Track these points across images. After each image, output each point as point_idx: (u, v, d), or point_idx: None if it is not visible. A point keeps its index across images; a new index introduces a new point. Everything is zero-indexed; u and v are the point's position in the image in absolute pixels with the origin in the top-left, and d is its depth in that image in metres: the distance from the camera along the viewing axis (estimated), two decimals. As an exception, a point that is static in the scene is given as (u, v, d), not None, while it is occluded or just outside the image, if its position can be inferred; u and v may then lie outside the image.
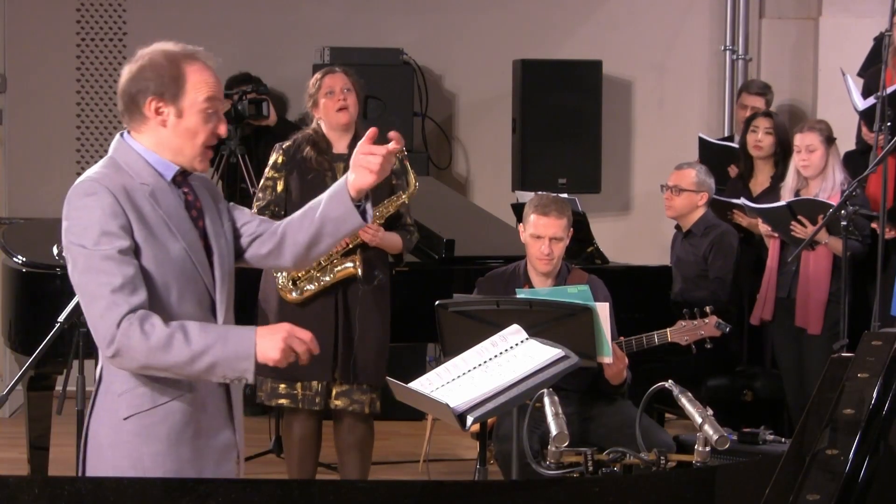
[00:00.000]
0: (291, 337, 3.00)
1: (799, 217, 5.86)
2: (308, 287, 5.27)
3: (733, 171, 6.90)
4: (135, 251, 3.00)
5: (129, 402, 3.05)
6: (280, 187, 5.38)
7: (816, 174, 6.00)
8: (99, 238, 2.97)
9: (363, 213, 3.21)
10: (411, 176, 5.34)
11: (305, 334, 3.02)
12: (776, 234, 6.10)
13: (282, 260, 3.30)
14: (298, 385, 5.33)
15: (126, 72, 3.11)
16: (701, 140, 7.22)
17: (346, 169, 5.34)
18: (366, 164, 3.18)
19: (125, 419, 3.05)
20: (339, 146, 5.40)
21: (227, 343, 2.97)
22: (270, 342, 2.98)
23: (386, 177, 3.27)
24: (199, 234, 3.13)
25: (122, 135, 3.16)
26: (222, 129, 3.14)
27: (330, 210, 3.22)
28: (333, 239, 3.26)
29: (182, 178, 3.14)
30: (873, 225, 5.63)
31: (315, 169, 5.33)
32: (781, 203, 5.96)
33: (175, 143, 3.09)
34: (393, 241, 5.37)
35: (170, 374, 3.00)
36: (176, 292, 3.05)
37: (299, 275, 5.25)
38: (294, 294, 5.29)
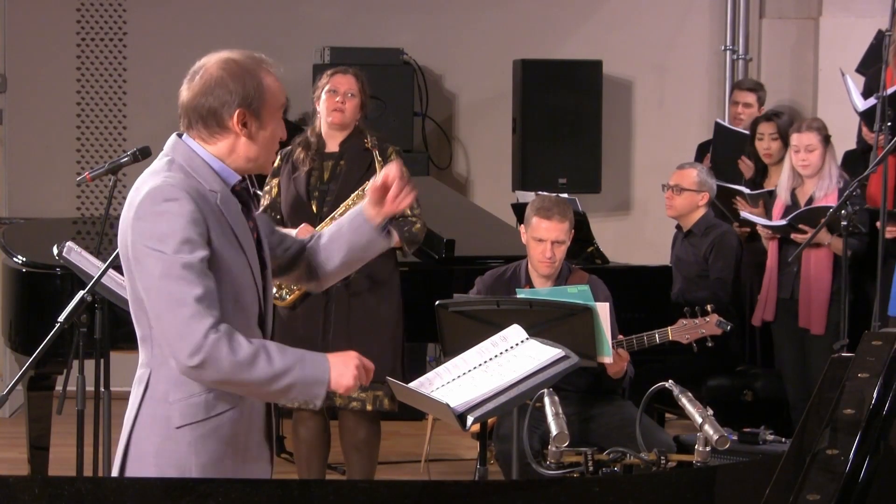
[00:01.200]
0: (361, 366, 3.02)
1: (799, 226, 5.86)
2: (292, 288, 5.28)
3: (744, 164, 6.86)
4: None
5: (182, 410, 2.98)
6: (275, 192, 5.45)
7: (814, 173, 6.00)
8: (180, 245, 2.88)
9: (388, 233, 3.26)
10: (376, 167, 5.34)
11: (370, 364, 3.05)
12: (777, 235, 6.10)
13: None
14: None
15: (196, 86, 2.99)
16: (717, 125, 7.21)
17: (333, 167, 5.44)
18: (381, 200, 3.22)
19: (178, 428, 2.98)
20: (332, 145, 5.45)
21: (305, 366, 2.96)
22: (345, 370, 2.99)
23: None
24: (255, 244, 3.09)
25: (179, 136, 3.04)
26: (284, 133, 3.11)
27: (355, 239, 3.26)
28: (362, 262, 3.35)
29: (240, 186, 3.07)
30: (889, 226, 5.60)
31: (301, 168, 5.38)
32: (781, 222, 5.95)
33: (253, 152, 3.03)
34: None
35: (243, 391, 2.98)
36: (233, 302, 2.99)
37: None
38: (284, 300, 5.30)
